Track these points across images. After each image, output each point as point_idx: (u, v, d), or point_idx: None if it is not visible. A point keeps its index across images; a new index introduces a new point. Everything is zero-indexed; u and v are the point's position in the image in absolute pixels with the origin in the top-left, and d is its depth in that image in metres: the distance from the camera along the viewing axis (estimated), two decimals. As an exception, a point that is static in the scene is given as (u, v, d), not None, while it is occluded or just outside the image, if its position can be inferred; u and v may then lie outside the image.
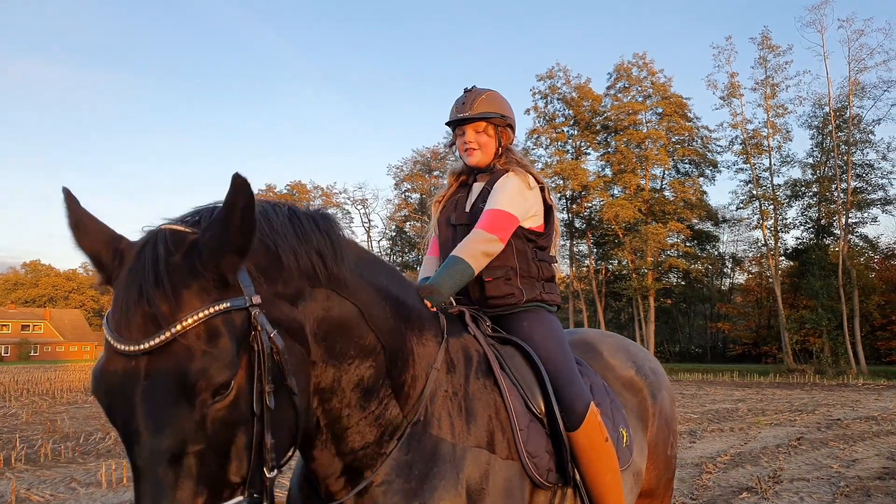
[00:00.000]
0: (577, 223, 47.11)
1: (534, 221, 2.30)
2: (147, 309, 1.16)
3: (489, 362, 1.95)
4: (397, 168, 58.60)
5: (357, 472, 1.65)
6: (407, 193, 58.09)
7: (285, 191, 58.45)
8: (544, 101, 46.60)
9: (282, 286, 1.38)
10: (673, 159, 45.00)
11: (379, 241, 60.80)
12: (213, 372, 1.15)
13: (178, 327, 1.15)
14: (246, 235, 1.21)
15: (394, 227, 59.66)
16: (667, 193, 44.86)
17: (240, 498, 1.23)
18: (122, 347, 1.15)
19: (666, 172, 46.21)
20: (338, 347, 1.54)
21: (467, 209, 2.34)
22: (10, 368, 46.39)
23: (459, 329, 2.03)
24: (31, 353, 72.66)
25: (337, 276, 1.52)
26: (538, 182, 2.33)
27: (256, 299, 1.25)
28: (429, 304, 1.93)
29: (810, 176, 41.70)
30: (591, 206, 46.28)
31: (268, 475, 1.26)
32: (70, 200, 1.29)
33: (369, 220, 62.10)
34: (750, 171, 42.20)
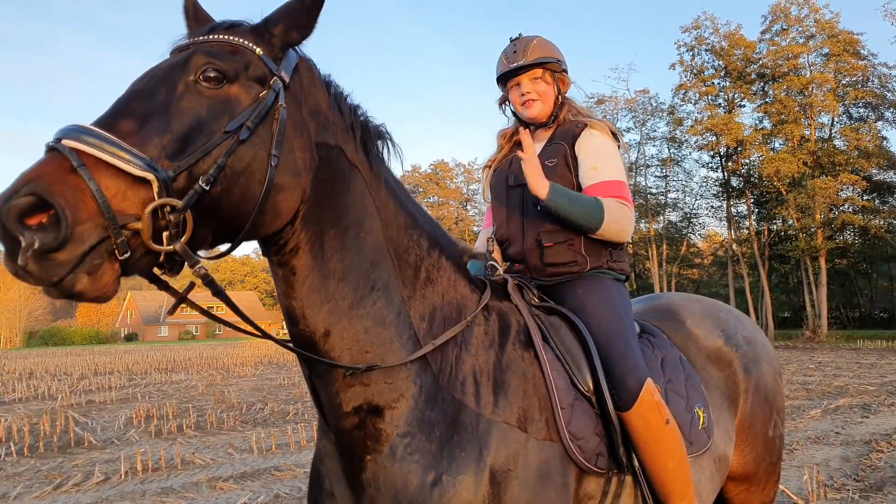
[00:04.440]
0: (734, 182, 43.69)
1: None
2: (214, 29, 1.45)
3: (529, 334, 1.78)
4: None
5: (376, 411, 1.53)
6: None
7: (429, 170, 59.75)
8: (690, 53, 43.29)
9: (313, 110, 1.53)
10: (843, 104, 40.11)
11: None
12: (210, 63, 1.34)
13: (216, 37, 1.41)
14: (309, 13, 1.44)
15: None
16: (837, 143, 40.09)
17: (150, 176, 1.19)
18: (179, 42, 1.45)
19: (835, 119, 41.41)
20: (339, 198, 1.55)
21: None
22: (198, 346, 51.98)
23: (499, 296, 1.87)
24: (217, 332, 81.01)
25: (358, 154, 1.60)
26: (612, 132, 2.14)
27: (285, 77, 1.44)
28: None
29: None
30: (748, 163, 42.67)
31: (201, 185, 1.25)
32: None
33: (510, 194, 61.73)
34: (943, 109, 36.71)
